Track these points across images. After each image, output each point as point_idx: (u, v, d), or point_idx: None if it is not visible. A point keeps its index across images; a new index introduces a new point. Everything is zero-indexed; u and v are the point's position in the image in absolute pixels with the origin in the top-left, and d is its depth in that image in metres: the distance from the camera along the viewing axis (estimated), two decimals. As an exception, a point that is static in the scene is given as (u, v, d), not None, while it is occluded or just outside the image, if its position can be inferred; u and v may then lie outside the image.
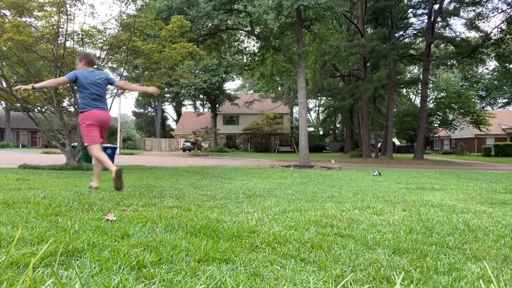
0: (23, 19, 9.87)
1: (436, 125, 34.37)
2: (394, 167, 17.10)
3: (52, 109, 11.09)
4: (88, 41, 10.61)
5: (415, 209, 4.10)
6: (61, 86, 11.38)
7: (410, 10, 30.78)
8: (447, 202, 4.85)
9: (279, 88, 34.88)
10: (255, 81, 32.63)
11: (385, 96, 30.19)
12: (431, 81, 34.86)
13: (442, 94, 35.65)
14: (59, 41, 10.07)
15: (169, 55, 11.02)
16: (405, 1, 29.40)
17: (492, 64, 41.38)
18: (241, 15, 17.27)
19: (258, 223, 3.04)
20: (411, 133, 40.55)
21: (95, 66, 5.47)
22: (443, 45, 29.77)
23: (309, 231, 2.82)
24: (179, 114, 58.58)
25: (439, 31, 27.68)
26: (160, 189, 5.35)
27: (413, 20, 31.80)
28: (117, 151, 24.52)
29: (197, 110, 56.33)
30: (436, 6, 26.03)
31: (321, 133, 60.48)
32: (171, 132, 55.41)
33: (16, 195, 4.06)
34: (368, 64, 27.92)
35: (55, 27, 9.65)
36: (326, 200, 4.69)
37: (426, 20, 27.25)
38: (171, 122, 65.08)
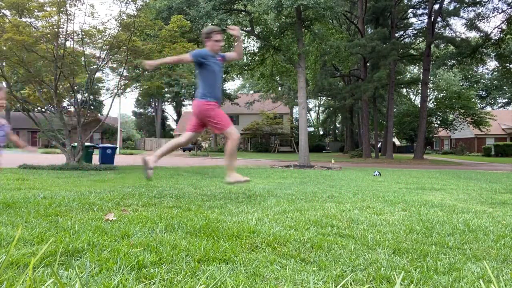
0: (23, 19, 9.87)
1: (436, 125, 34.32)
2: (394, 167, 17.10)
3: (52, 109, 11.10)
4: (88, 41, 10.61)
5: (415, 209, 4.10)
6: (61, 86, 11.39)
7: (410, 10, 30.79)
8: (447, 202, 4.85)
9: (279, 88, 34.83)
10: (255, 81, 32.61)
11: (385, 96, 30.17)
12: (431, 81, 34.82)
13: (442, 94, 35.59)
14: (59, 41, 10.07)
15: (169, 55, 11.01)
16: (405, 1, 29.39)
17: (492, 64, 41.39)
18: (241, 15, 17.26)
19: (258, 223, 3.04)
20: (411, 133, 40.50)
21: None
22: (443, 45, 29.75)
23: (309, 231, 2.82)
24: (179, 114, 58.54)
25: (439, 31, 27.67)
26: (160, 189, 5.36)
27: (413, 20, 31.84)
28: (117, 151, 24.48)
29: (197, 110, 56.12)
30: (436, 6, 26.02)
31: (321, 133, 60.41)
32: (171, 132, 55.37)
33: (16, 195, 4.06)
34: (368, 64, 27.90)
35: (55, 27, 9.65)
36: (326, 200, 4.69)
37: (426, 20, 27.25)
38: (171, 122, 65.09)
